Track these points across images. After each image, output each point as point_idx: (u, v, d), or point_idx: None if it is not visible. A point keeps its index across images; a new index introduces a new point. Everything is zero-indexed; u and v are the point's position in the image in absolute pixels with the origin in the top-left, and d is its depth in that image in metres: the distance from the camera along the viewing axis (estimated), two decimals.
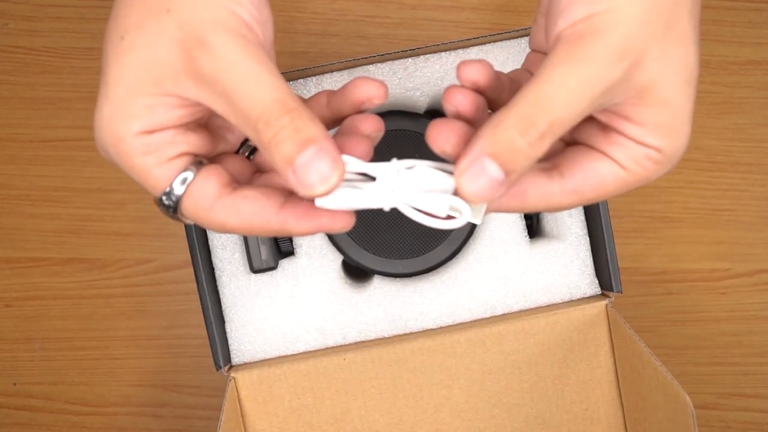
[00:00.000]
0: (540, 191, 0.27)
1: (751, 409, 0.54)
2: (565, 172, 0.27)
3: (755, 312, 0.54)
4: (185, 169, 0.27)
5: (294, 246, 0.46)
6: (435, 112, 0.47)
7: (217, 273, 0.45)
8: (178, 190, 0.27)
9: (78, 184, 0.53)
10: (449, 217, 0.26)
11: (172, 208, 0.27)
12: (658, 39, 0.25)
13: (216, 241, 0.45)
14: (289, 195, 0.27)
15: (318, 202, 0.26)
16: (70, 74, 0.52)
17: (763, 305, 0.54)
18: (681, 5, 0.25)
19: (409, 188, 0.26)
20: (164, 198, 0.27)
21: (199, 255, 0.43)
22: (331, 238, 0.45)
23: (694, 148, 0.53)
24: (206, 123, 0.29)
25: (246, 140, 0.31)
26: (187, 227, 0.43)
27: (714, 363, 0.54)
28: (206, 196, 0.27)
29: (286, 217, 0.26)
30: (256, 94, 0.25)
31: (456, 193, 0.25)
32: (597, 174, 0.27)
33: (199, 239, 0.44)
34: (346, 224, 0.26)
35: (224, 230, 0.27)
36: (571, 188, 0.27)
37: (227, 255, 0.45)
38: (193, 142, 0.27)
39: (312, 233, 0.27)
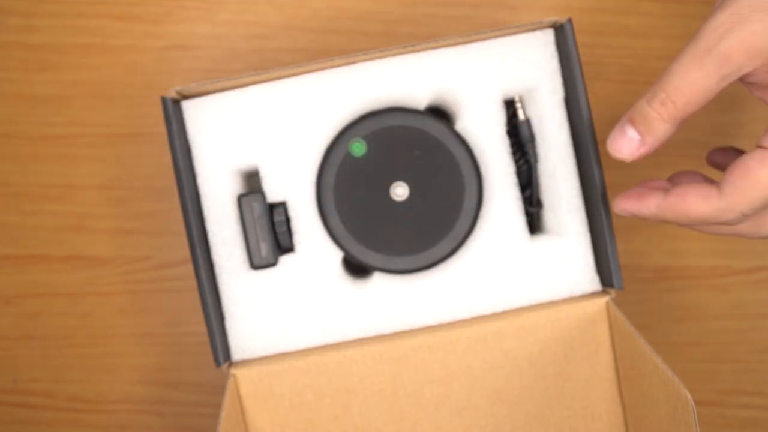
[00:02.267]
0: (700, 195, 0.33)
1: (753, 406, 0.54)
2: (724, 186, 0.32)
3: (756, 309, 0.54)
4: None
5: (294, 243, 0.46)
6: (435, 109, 0.47)
7: (217, 270, 0.45)
8: None
9: (77, 182, 0.52)
10: None
11: None
12: None
13: (216, 237, 0.45)
14: None
15: None
16: (68, 71, 0.52)
17: (764, 302, 0.54)
18: None
19: None
20: None
21: (198, 252, 0.43)
22: (332, 234, 0.45)
23: (695, 145, 0.53)
24: None
25: None
26: (187, 223, 0.43)
27: (715, 360, 0.54)
28: None
29: None
30: None
31: None
32: (744, 165, 0.31)
33: (198, 236, 0.44)
34: None
35: None
36: (733, 199, 0.31)
37: (227, 252, 0.45)
38: None
39: None
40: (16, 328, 0.53)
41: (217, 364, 0.44)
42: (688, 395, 0.35)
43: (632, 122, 0.34)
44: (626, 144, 0.34)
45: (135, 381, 0.53)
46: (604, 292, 0.46)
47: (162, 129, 0.43)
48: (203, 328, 0.45)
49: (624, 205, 0.37)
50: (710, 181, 0.35)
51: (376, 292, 0.46)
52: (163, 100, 0.43)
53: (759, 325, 0.54)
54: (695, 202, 0.33)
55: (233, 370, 0.44)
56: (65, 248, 0.53)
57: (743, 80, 0.35)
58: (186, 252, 0.52)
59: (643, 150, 0.34)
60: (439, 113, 0.47)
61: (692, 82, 0.31)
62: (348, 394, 0.45)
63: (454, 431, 0.46)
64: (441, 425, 0.46)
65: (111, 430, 0.53)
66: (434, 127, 0.44)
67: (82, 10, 0.52)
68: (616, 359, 0.46)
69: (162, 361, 0.53)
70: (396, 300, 0.46)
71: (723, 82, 0.32)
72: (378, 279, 0.46)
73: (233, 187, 0.45)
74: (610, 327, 0.45)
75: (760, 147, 0.31)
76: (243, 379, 0.45)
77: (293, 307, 0.46)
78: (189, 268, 0.50)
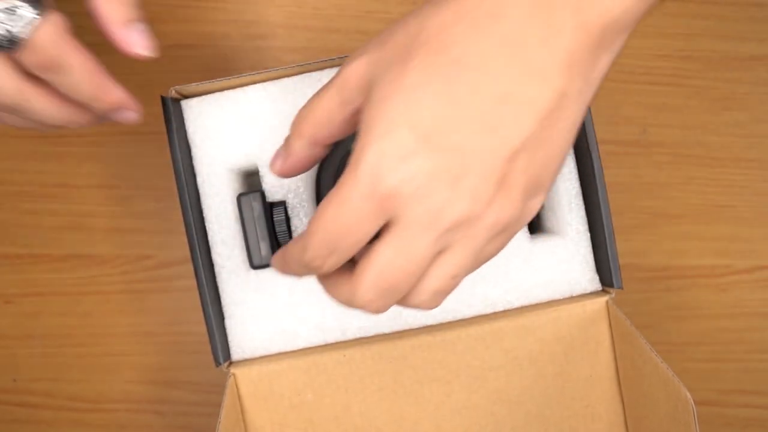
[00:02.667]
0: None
1: (753, 405, 0.54)
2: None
3: (756, 309, 0.54)
4: None
5: None
6: None
7: (217, 269, 0.45)
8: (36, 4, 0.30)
9: (77, 181, 0.52)
10: None
11: (28, 23, 0.30)
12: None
13: (216, 237, 0.45)
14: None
15: None
16: None
17: (764, 302, 0.54)
18: None
19: None
20: (23, 5, 0.30)
21: (198, 251, 0.43)
22: None
23: (695, 144, 0.53)
24: None
25: None
26: (187, 223, 0.43)
27: (715, 359, 0.54)
28: (67, 20, 0.32)
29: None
30: None
31: None
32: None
33: (198, 235, 0.44)
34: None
35: (64, 59, 0.32)
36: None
37: (227, 251, 0.45)
38: None
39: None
40: (15, 328, 0.53)
41: (217, 363, 0.44)
42: (688, 395, 0.35)
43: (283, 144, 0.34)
44: (275, 160, 0.34)
45: (135, 380, 0.53)
46: (604, 291, 0.46)
47: (162, 128, 0.43)
48: (203, 328, 0.45)
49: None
50: None
51: None
52: (163, 99, 0.43)
53: (759, 324, 0.54)
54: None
55: (233, 370, 0.44)
56: (65, 247, 0.53)
57: None
58: (186, 251, 0.52)
59: (286, 164, 0.33)
60: None
61: (319, 104, 0.31)
62: (348, 393, 0.45)
63: (454, 431, 0.46)
64: (441, 425, 0.46)
65: (111, 430, 0.53)
66: None
67: (83, 9, 0.52)
68: (616, 359, 0.46)
69: (162, 360, 0.53)
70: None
71: (346, 106, 0.30)
72: None
73: (233, 186, 0.45)
74: (610, 326, 0.45)
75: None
76: (243, 378, 0.45)
77: (293, 306, 0.46)
78: (189, 267, 0.50)
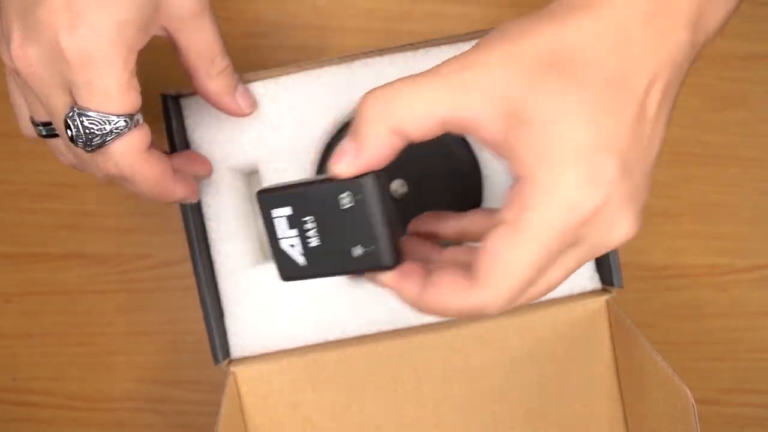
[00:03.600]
0: (455, 289, 0.29)
1: (752, 404, 0.54)
2: (479, 276, 0.28)
3: (756, 308, 0.54)
4: (138, 108, 0.33)
5: None
6: None
7: (216, 268, 0.45)
8: (135, 120, 0.32)
9: (76, 180, 0.52)
10: None
11: (109, 136, 0.32)
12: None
13: (215, 235, 0.45)
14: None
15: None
16: None
17: (765, 301, 0.54)
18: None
19: None
20: (116, 120, 0.32)
21: (197, 250, 0.43)
22: None
23: (696, 142, 0.53)
24: None
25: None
26: (186, 222, 0.43)
27: (715, 358, 0.54)
28: (145, 139, 0.33)
29: (177, 180, 0.37)
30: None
31: None
32: (491, 251, 0.27)
33: (198, 234, 0.44)
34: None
35: (143, 182, 0.34)
36: (492, 293, 0.27)
37: (226, 250, 0.45)
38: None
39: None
40: (15, 326, 0.53)
41: (216, 361, 0.44)
42: (688, 393, 0.35)
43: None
44: (341, 159, 0.29)
45: (134, 379, 0.53)
46: (604, 290, 0.46)
47: (161, 126, 0.43)
48: (202, 326, 0.45)
49: (389, 280, 0.31)
50: (468, 265, 0.29)
51: (376, 290, 0.46)
52: (163, 96, 0.43)
53: (759, 323, 0.54)
54: (452, 298, 0.28)
55: (233, 368, 0.44)
56: (65, 246, 0.53)
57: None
58: (185, 250, 0.52)
59: (360, 158, 0.28)
60: None
61: (419, 96, 0.28)
62: (347, 391, 0.45)
63: (454, 429, 0.46)
64: (441, 423, 0.46)
65: (110, 428, 0.53)
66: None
67: None
68: (616, 357, 0.46)
69: (161, 359, 0.53)
70: (395, 297, 0.46)
71: (456, 112, 0.28)
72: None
73: (233, 184, 0.45)
74: (610, 325, 0.45)
75: (503, 223, 0.27)
76: (242, 376, 0.45)
77: (293, 304, 0.46)
78: (188, 266, 0.50)
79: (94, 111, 0.31)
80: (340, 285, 0.46)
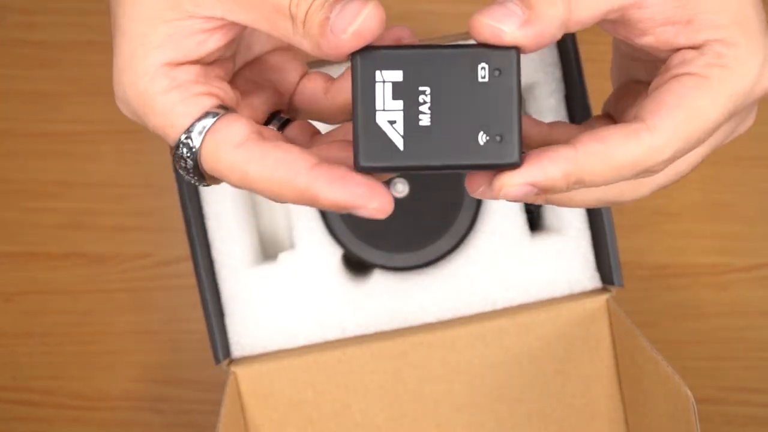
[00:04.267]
0: (625, 133, 0.24)
1: (752, 403, 0.54)
2: (654, 119, 0.24)
3: (756, 307, 0.54)
4: (210, 109, 0.25)
5: (294, 239, 0.45)
6: None
7: (217, 267, 0.45)
8: (201, 126, 0.24)
9: (77, 179, 0.52)
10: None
11: (191, 155, 0.25)
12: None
13: (215, 234, 0.45)
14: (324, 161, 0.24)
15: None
16: (69, 68, 0.52)
17: (765, 300, 0.54)
18: None
19: None
20: (183, 139, 0.25)
21: (198, 249, 0.43)
22: (332, 230, 0.45)
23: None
24: (232, 81, 0.28)
25: (274, 114, 0.29)
26: (187, 221, 0.43)
27: (715, 357, 0.54)
28: (232, 135, 0.24)
29: (317, 176, 0.23)
30: None
31: None
32: (676, 94, 0.25)
33: (198, 233, 0.44)
34: (383, 204, 0.23)
35: (244, 183, 0.25)
36: (668, 135, 0.24)
37: (226, 249, 0.45)
38: (218, 86, 0.26)
39: (340, 206, 0.23)
40: (15, 326, 0.53)
41: (217, 361, 0.44)
42: (689, 392, 0.35)
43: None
44: (504, 19, 0.23)
45: (135, 378, 0.53)
46: (604, 289, 0.46)
47: None
48: (203, 326, 0.45)
49: (514, 178, 0.24)
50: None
51: (376, 289, 0.46)
52: None
53: (759, 322, 0.54)
54: (621, 142, 0.24)
55: (233, 368, 0.44)
56: (65, 245, 0.53)
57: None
58: (186, 249, 0.52)
59: (533, 25, 0.23)
60: None
61: None
62: (348, 391, 0.45)
63: (455, 428, 0.46)
64: (441, 422, 0.46)
65: (111, 427, 0.53)
66: None
67: (83, 6, 0.52)
68: (616, 356, 0.46)
69: (162, 358, 0.53)
70: (396, 297, 0.46)
71: None
72: (378, 276, 0.46)
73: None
74: (611, 324, 0.45)
75: (688, 74, 0.25)
76: (243, 376, 0.45)
77: (293, 304, 0.46)
78: (189, 265, 0.50)
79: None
80: (340, 285, 0.46)
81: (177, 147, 0.25)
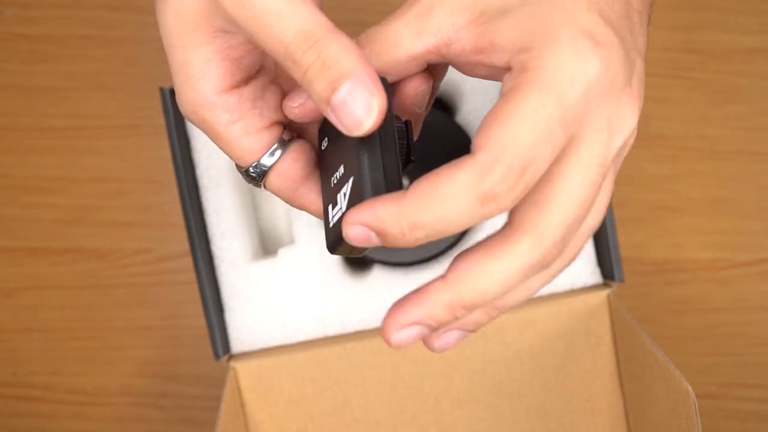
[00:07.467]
0: (447, 169, 0.23)
1: (753, 398, 0.54)
2: (476, 141, 0.23)
3: (757, 302, 0.54)
4: (274, 144, 0.27)
5: (294, 235, 0.45)
6: (436, 101, 0.46)
7: (216, 262, 0.45)
8: (267, 162, 0.27)
9: (76, 174, 0.52)
10: None
11: (258, 179, 0.27)
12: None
13: (215, 229, 0.45)
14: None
15: None
16: (67, 63, 0.52)
17: (765, 295, 0.54)
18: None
19: None
20: (251, 170, 0.27)
21: (197, 244, 0.43)
22: None
23: (697, 137, 0.53)
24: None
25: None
26: (186, 216, 0.43)
27: (716, 353, 0.54)
28: (293, 176, 0.27)
29: None
30: (277, 28, 0.23)
31: None
32: (498, 114, 0.23)
33: (197, 229, 0.44)
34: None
35: (305, 210, 0.28)
36: (493, 149, 0.22)
37: (226, 244, 0.45)
38: (273, 103, 0.27)
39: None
40: (15, 321, 0.53)
41: (217, 356, 0.44)
42: (689, 388, 0.35)
43: None
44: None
45: (134, 374, 0.53)
46: (605, 284, 0.46)
47: (161, 121, 0.43)
48: (203, 321, 0.45)
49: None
50: None
51: (376, 284, 0.46)
52: (162, 91, 0.43)
53: (760, 317, 0.54)
54: (445, 176, 0.22)
55: (233, 363, 0.44)
56: (64, 241, 0.53)
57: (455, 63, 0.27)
58: (185, 244, 0.52)
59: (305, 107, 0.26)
60: (440, 104, 0.47)
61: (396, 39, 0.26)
62: (348, 386, 0.45)
63: (455, 424, 0.46)
64: (441, 418, 0.46)
65: (110, 423, 0.53)
66: (435, 118, 0.44)
67: (81, 1, 0.52)
68: (617, 352, 0.46)
69: (161, 353, 0.53)
70: (396, 292, 0.46)
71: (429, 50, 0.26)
72: (378, 271, 0.46)
73: (232, 178, 0.45)
74: (611, 320, 0.45)
75: (503, 94, 0.24)
76: (243, 371, 0.45)
77: (293, 299, 0.46)
78: (188, 260, 0.50)
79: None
80: (341, 280, 0.46)
81: (245, 172, 0.27)
